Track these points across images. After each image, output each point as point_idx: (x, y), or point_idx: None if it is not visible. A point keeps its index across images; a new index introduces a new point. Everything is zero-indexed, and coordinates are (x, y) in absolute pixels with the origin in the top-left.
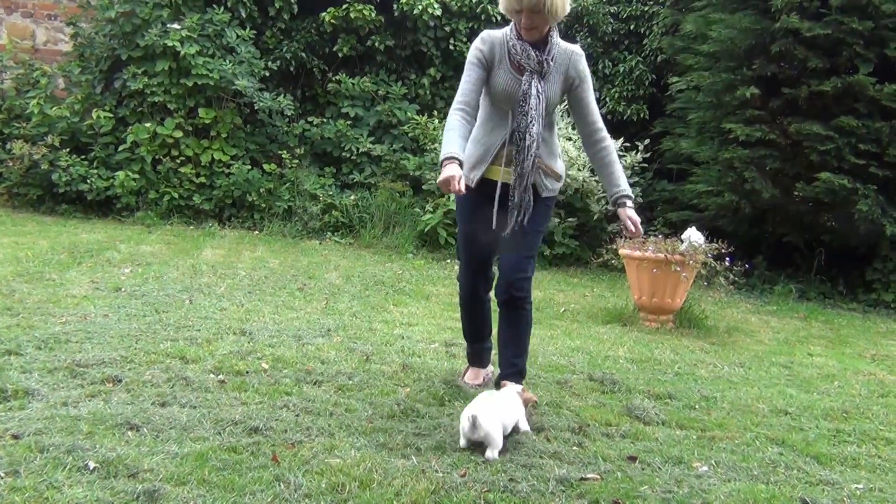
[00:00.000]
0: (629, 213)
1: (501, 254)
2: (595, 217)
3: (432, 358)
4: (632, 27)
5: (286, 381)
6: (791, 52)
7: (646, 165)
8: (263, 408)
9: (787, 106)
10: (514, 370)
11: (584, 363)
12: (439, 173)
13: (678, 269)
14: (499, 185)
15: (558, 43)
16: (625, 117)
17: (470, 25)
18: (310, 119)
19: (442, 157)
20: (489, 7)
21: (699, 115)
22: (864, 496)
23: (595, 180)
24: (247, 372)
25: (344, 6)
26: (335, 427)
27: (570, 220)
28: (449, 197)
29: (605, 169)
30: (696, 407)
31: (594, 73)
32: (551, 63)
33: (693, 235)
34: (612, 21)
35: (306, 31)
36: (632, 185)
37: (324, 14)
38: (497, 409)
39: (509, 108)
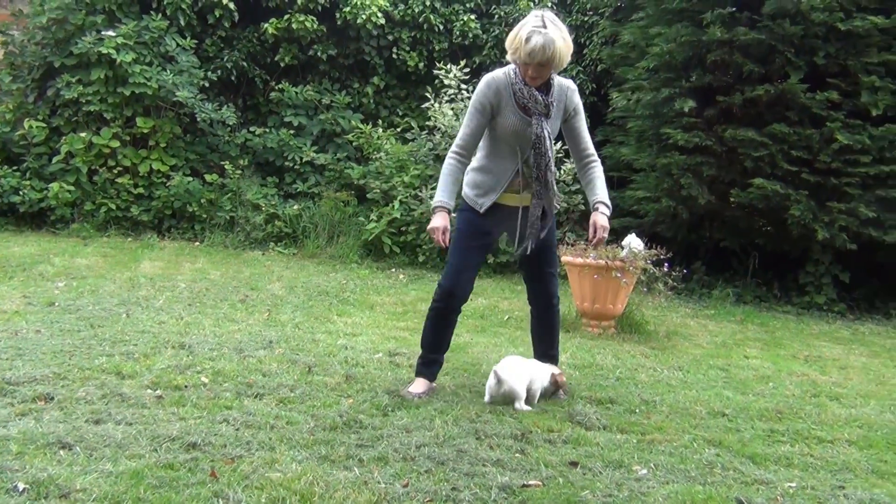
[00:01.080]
0: (596, 217)
1: (532, 270)
2: None
3: (376, 368)
4: (572, 37)
5: (226, 394)
6: (727, 61)
7: None
8: (202, 423)
9: (723, 114)
10: (550, 360)
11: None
12: (432, 213)
13: (619, 275)
14: (520, 209)
15: (557, 82)
16: None
17: (413, 34)
18: (252, 129)
19: (434, 203)
20: (431, 16)
21: (638, 124)
22: (797, 494)
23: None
24: (185, 386)
25: (286, 17)
26: (276, 440)
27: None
28: (393, 206)
29: (590, 183)
30: (637, 411)
31: None
32: (554, 104)
33: (633, 242)
34: None
35: (247, 40)
36: (574, 193)
37: (266, 25)
38: (520, 368)
39: (517, 143)
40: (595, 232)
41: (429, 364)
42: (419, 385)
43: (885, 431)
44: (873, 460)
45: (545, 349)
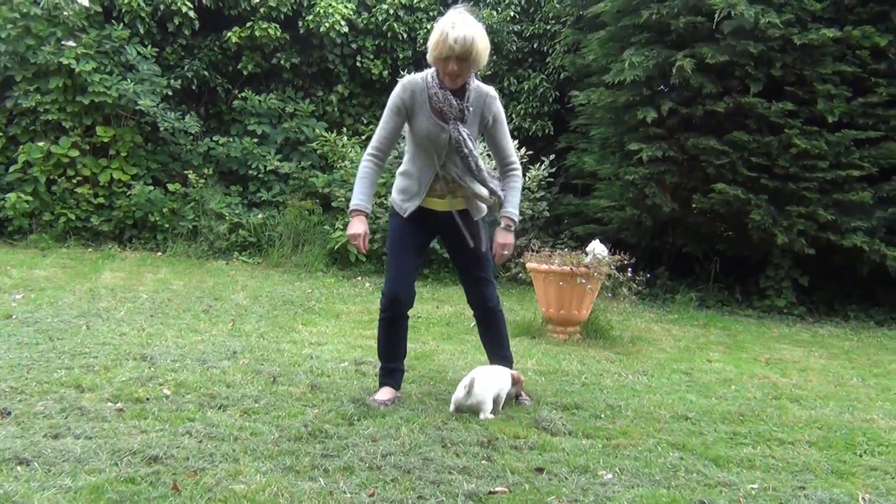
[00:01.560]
0: (498, 235)
1: (465, 276)
2: None
3: (342, 377)
4: (535, 45)
5: (189, 406)
6: (688, 80)
7: (552, 180)
8: (164, 435)
9: (683, 123)
10: (507, 360)
11: None
12: (349, 218)
13: (583, 281)
14: (455, 213)
15: (475, 88)
16: (530, 133)
17: (377, 42)
18: (215, 137)
19: (351, 207)
20: (395, 24)
21: (601, 132)
22: (759, 496)
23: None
24: (147, 399)
25: (248, 25)
26: (240, 452)
27: None
28: None
29: (508, 193)
30: (602, 416)
31: (500, 90)
32: (470, 109)
33: (597, 248)
34: (515, 39)
35: (209, 48)
36: (539, 199)
37: (229, 34)
38: (488, 379)
39: (433, 148)
40: (498, 248)
41: (390, 373)
42: (384, 393)
43: (843, 432)
44: (833, 461)
45: (496, 351)
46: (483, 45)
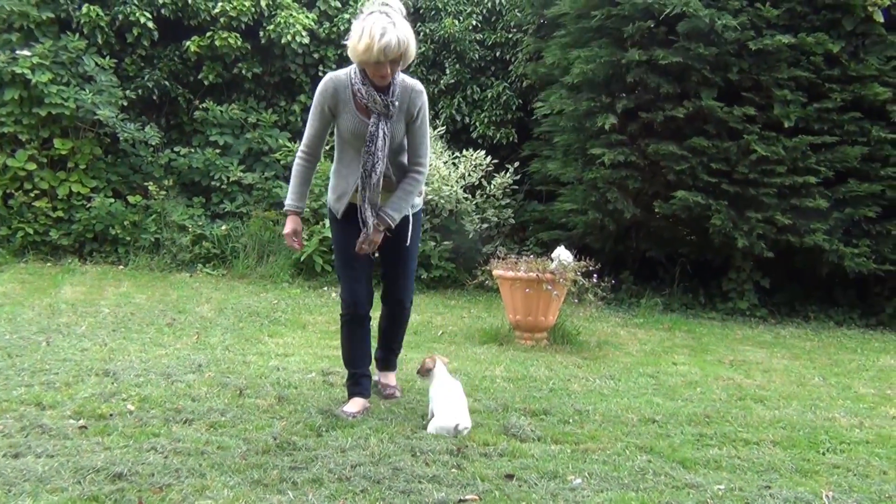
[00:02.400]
0: (369, 231)
1: (386, 270)
2: (470, 237)
3: (309, 388)
4: (497, 54)
5: (154, 421)
6: (645, 81)
7: (517, 187)
8: (129, 452)
9: (644, 129)
10: (393, 353)
11: (463, 384)
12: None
13: (549, 287)
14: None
15: (400, 82)
16: (494, 141)
17: (339, 52)
18: (176, 148)
19: (285, 207)
20: None
21: (564, 139)
22: (726, 496)
23: (467, 198)
24: (110, 415)
25: (208, 34)
26: (207, 466)
27: (445, 243)
28: (324, 224)
29: (398, 192)
30: (570, 421)
31: (464, 98)
32: (396, 103)
33: (562, 254)
34: (478, 48)
35: (169, 58)
36: (504, 207)
37: (188, 43)
38: (461, 401)
39: (360, 145)
40: (358, 244)
41: (358, 381)
42: (354, 404)
43: (806, 431)
44: (797, 459)
45: (388, 343)
46: (413, 43)
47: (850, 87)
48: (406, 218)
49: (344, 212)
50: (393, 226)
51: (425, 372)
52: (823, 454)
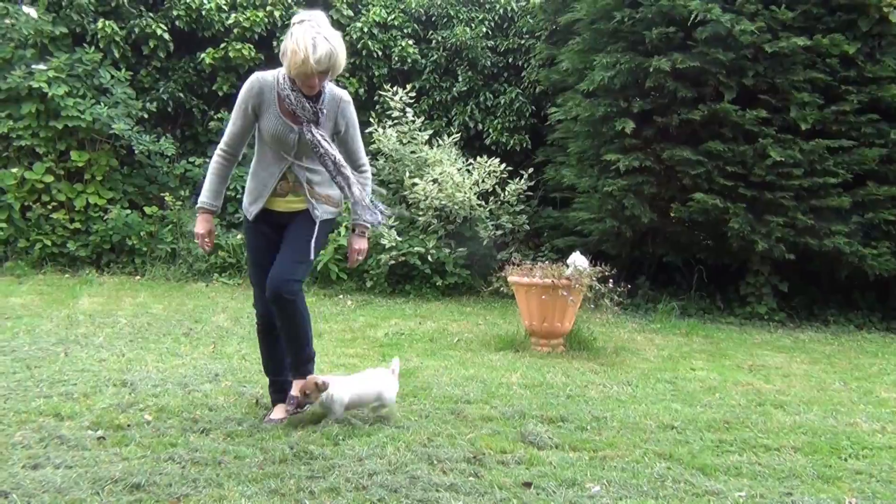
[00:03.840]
0: (353, 240)
1: (276, 262)
2: (485, 243)
3: None
4: (510, 60)
5: (171, 431)
6: (662, 85)
7: (531, 193)
8: (146, 462)
9: (660, 133)
10: (305, 356)
11: (479, 392)
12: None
13: (565, 293)
14: (299, 214)
15: (328, 91)
16: (508, 148)
17: (352, 61)
18: (191, 159)
19: (198, 203)
20: (370, 42)
21: (578, 145)
22: (747, 503)
23: (481, 205)
24: (128, 425)
25: (222, 46)
26: (224, 476)
27: (460, 250)
28: (339, 232)
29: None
30: (588, 428)
31: (476, 105)
32: (324, 111)
33: (578, 260)
34: (490, 55)
35: (184, 70)
36: (518, 213)
37: (203, 55)
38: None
39: (280, 149)
40: (352, 255)
41: (279, 389)
42: (277, 411)
43: (828, 437)
44: (819, 466)
45: (288, 345)
46: (343, 53)
47: (867, 89)
48: (313, 218)
49: (257, 215)
50: (371, 228)
51: (314, 393)
52: (845, 460)
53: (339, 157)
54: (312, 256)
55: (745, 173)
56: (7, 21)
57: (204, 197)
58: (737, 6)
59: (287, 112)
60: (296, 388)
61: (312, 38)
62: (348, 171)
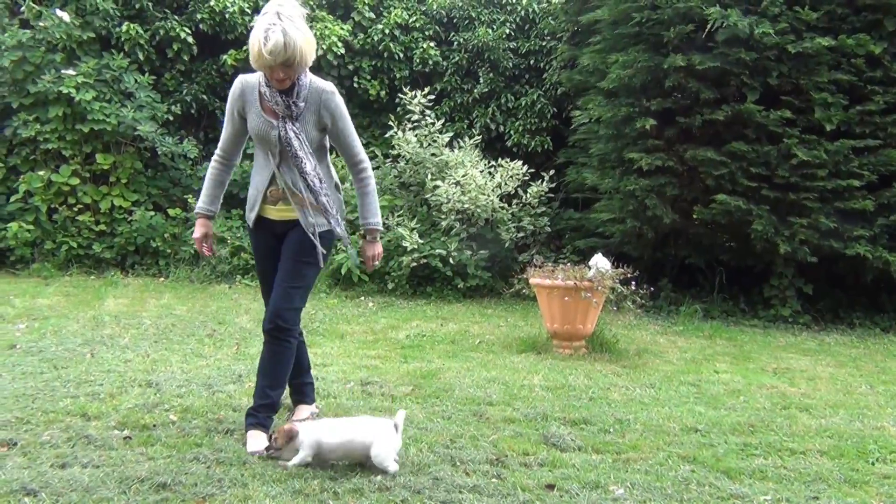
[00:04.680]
0: (366, 247)
1: (273, 289)
2: (506, 246)
3: (348, 398)
4: (531, 62)
5: (196, 431)
6: (684, 86)
7: (552, 195)
8: (172, 462)
9: (682, 134)
10: (267, 402)
11: (501, 394)
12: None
13: (588, 295)
14: (290, 224)
15: (308, 83)
16: (529, 149)
17: (373, 63)
18: None
19: (196, 209)
20: (391, 45)
21: (600, 147)
22: None
23: (503, 208)
24: (154, 425)
25: (245, 48)
26: (248, 477)
27: (481, 252)
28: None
29: (362, 199)
30: (611, 430)
31: (498, 106)
32: (301, 105)
33: (600, 262)
34: (511, 56)
35: (207, 72)
36: (540, 215)
37: (225, 57)
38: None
39: (266, 149)
40: (368, 262)
41: (297, 390)
42: (300, 412)
43: (854, 440)
44: (845, 470)
45: (265, 386)
46: (305, 44)
47: (893, 89)
48: (308, 236)
49: (255, 222)
50: (382, 229)
51: (281, 439)
52: (872, 464)
53: (312, 165)
54: (313, 272)
55: (769, 174)
56: (41, 24)
57: (201, 202)
58: (761, 8)
59: (269, 109)
60: (278, 434)
61: (265, 29)
62: (316, 180)
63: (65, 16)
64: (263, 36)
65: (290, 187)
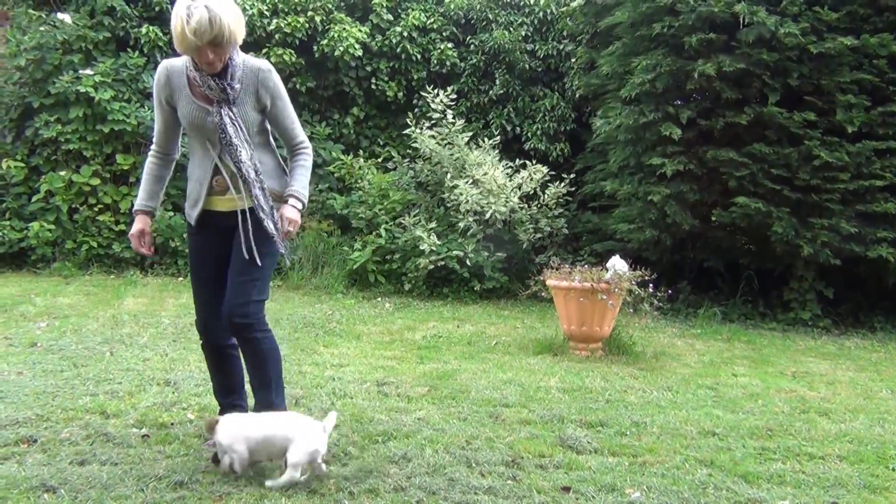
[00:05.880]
0: (284, 210)
1: (229, 282)
2: (524, 247)
3: (364, 399)
4: (549, 65)
5: None
6: (706, 88)
7: (570, 199)
8: (189, 460)
9: (701, 136)
10: (259, 403)
11: (517, 395)
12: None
13: (605, 297)
14: (239, 213)
15: (242, 63)
16: (548, 157)
17: (391, 64)
18: None
19: (135, 206)
20: (408, 46)
21: (619, 153)
22: None
23: (522, 208)
24: (172, 424)
25: (263, 51)
26: (264, 476)
27: (498, 254)
28: (378, 233)
29: (293, 171)
30: (627, 433)
31: (514, 109)
32: (237, 87)
33: (617, 264)
34: (528, 59)
35: None
36: (557, 217)
37: None
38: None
39: (205, 138)
40: (284, 224)
41: (225, 410)
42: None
43: (874, 446)
44: (865, 475)
45: (254, 388)
46: (233, 19)
47: None
48: (262, 225)
49: (198, 219)
50: (305, 204)
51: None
52: (893, 470)
53: (249, 154)
54: (269, 262)
55: (790, 176)
56: (42, 28)
57: (139, 199)
58: (780, 8)
59: (200, 95)
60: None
61: (187, 6)
62: (251, 170)
63: (66, 17)
64: (186, 14)
65: (243, 173)
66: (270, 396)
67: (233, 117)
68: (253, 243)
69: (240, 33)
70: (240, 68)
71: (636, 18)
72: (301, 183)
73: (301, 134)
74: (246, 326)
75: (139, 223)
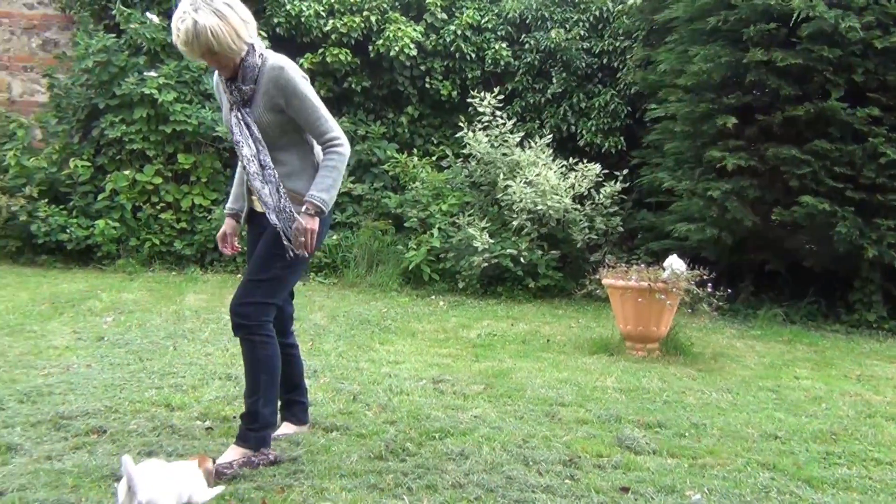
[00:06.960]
0: (299, 219)
1: None
2: (578, 246)
3: (420, 395)
4: (605, 61)
5: None
6: (764, 82)
7: (625, 196)
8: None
9: (762, 132)
10: (247, 409)
11: (573, 394)
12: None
13: (662, 297)
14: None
15: (259, 63)
16: (602, 150)
17: (445, 64)
18: None
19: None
20: (462, 45)
21: (675, 146)
22: None
23: (576, 209)
24: (233, 417)
25: (320, 51)
26: (325, 470)
27: (552, 252)
28: (432, 234)
29: (319, 173)
30: (686, 435)
31: (570, 107)
32: (246, 88)
33: (675, 263)
34: (585, 56)
35: None
36: (612, 215)
37: (301, 60)
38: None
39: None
40: (295, 235)
41: (287, 406)
42: (283, 427)
43: None
44: None
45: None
46: (224, 26)
47: None
48: (284, 234)
49: (245, 218)
50: (325, 209)
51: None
52: None
53: (253, 151)
54: (280, 265)
55: (854, 175)
56: (132, 26)
57: (228, 202)
58: (845, 1)
59: (228, 97)
60: (227, 453)
61: (177, 19)
62: (253, 164)
63: (154, 18)
64: (174, 28)
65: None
66: (258, 405)
67: (240, 118)
68: (271, 245)
69: (235, 38)
70: (254, 69)
71: (693, 13)
72: (321, 185)
73: (330, 130)
74: (241, 326)
75: (224, 225)
